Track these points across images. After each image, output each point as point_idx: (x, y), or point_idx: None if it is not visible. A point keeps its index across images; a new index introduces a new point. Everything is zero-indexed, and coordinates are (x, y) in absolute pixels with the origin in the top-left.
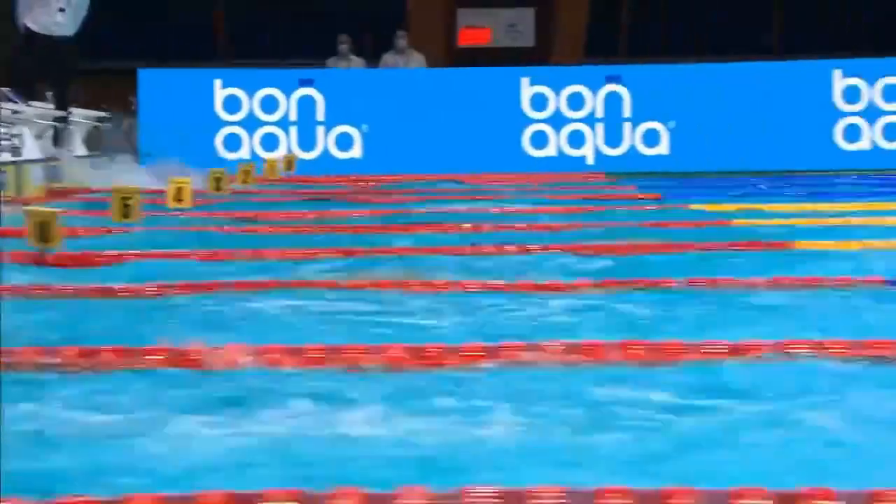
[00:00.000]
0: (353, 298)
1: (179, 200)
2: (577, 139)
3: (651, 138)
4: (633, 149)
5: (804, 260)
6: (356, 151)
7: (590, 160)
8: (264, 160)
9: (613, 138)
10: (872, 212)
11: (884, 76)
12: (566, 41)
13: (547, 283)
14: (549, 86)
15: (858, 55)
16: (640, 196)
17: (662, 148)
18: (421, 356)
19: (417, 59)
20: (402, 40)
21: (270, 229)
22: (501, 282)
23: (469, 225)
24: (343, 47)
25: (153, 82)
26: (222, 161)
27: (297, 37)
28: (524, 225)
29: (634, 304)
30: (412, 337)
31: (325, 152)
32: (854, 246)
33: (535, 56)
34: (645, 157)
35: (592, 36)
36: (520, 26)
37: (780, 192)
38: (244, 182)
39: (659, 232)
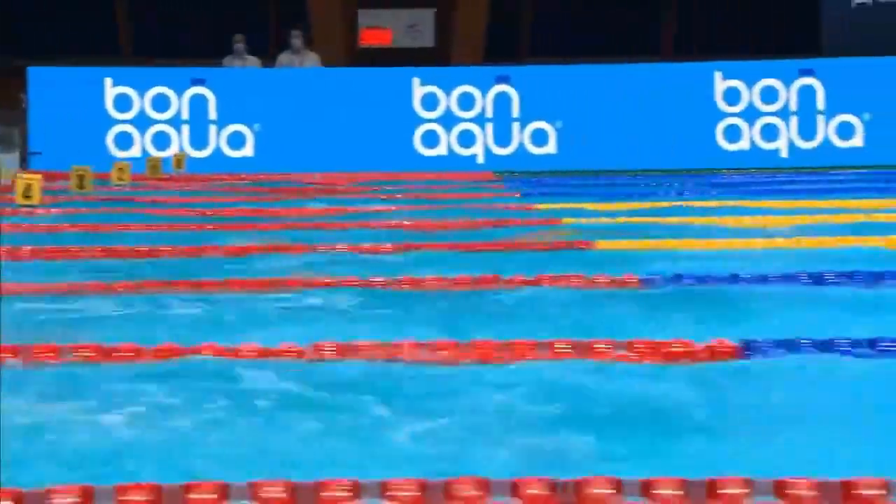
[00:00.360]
0: None
1: (28, 197)
2: (467, 139)
3: (539, 138)
4: (521, 148)
5: (583, 259)
6: (248, 150)
7: (480, 159)
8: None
9: (503, 138)
10: (702, 210)
11: (762, 78)
12: (465, 42)
13: None
14: (439, 86)
15: (742, 57)
16: (502, 195)
17: (550, 147)
18: None
19: (312, 59)
20: (296, 40)
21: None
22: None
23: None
24: (238, 46)
25: (43, 80)
26: (113, 160)
27: (201, 35)
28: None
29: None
30: None
31: (217, 151)
32: (648, 246)
33: (435, 57)
34: (533, 156)
35: (494, 37)
36: (420, 27)
37: (653, 192)
38: (119, 180)
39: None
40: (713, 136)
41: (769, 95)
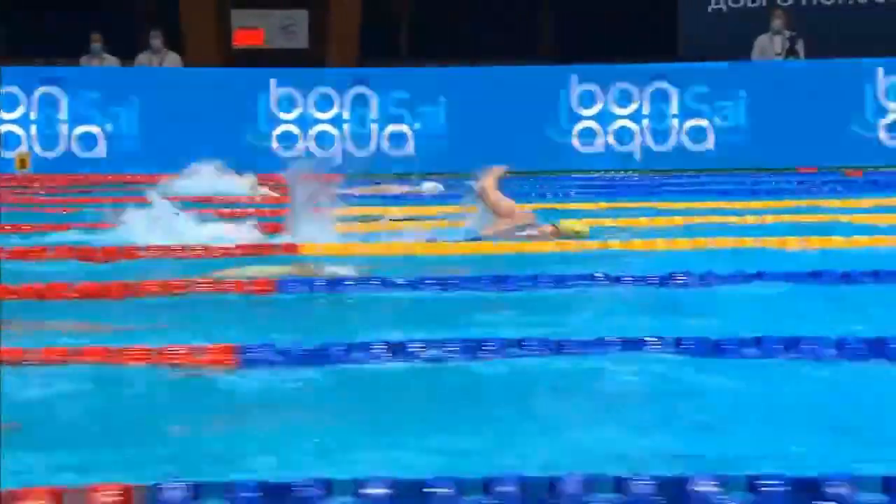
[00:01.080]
0: None
1: None
2: (325, 140)
3: (397, 140)
4: (379, 150)
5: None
6: (100, 151)
7: (339, 161)
8: None
9: (360, 139)
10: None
11: (616, 81)
12: (339, 43)
13: None
14: (296, 87)
15: (607, 60)
16: None
17: (408, 149)
18: None
19: (173, 59)
20: (156, 40)
21: None
22: None
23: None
24: (95, 46)
25: None
26: None
27: (66, 34)
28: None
29: None
30: None
31: (68, 151)
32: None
33: (309, 57)
34: (392, 158)
35: (375, 37)
36: (294, 27)
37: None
38: None
39: None
40: (569, 139)
41: (623, 99)
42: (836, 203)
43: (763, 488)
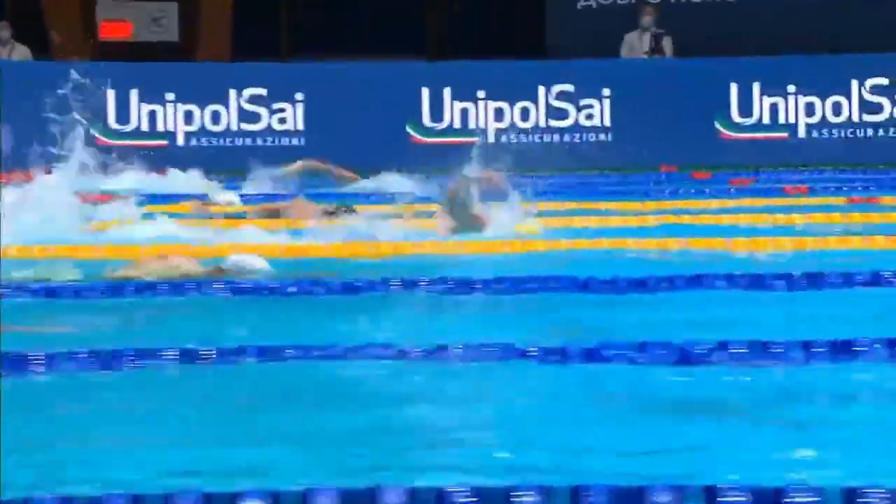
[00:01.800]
0: None
1: None
2: None
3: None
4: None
5: None
6: None
7: None
8: None
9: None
10: None
11: (481, 80)
12: (211, 37)
13: None
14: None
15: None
16: None
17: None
18: None
19: (21, 52)
20: (4, 32)
21: None
22: None
23: None
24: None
25: None
26: None
27: None
28: None
29: None
30: None
31: None
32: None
33: (180, 52)
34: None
35: (252, 32)
36: (163, 20)
37: None
38: None
39: None
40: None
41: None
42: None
43: None
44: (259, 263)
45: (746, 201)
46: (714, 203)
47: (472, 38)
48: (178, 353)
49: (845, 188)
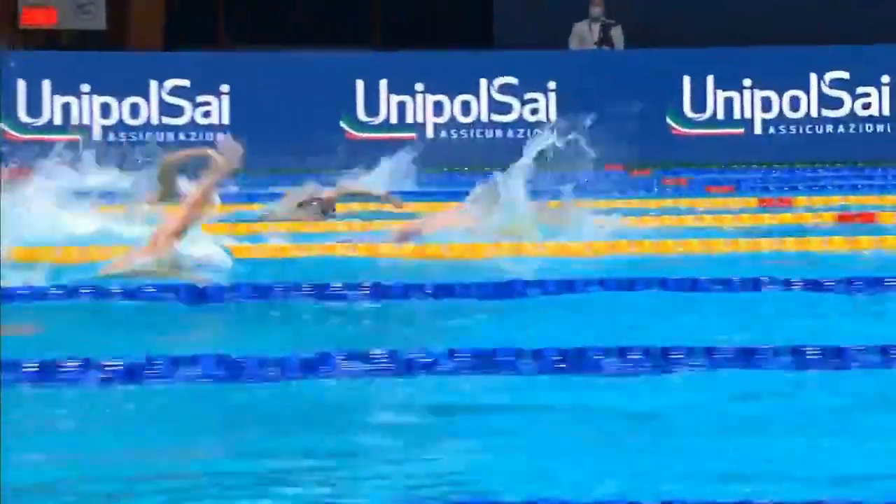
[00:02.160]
0: None
1: None
2: None
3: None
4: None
5: None
6: None
7: None
8: None
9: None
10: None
11: (421, 71)
12: (142, 26)
13: None
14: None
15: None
16: None
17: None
18: None
19: None
20: None
21: None
22: None
23: None
24: None
25: None
26: None
27: None
28: None
29: None
30: None
31: None
32: None
33: (108, 40)
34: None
35: (188, 21)
36: (90, 7)
37: None
38: None
39: None
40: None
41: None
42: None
43: None
44: (219, 258)
45: (669, 202)
46: (635, 203)
47: (420, 28)
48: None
49: (786, 188)
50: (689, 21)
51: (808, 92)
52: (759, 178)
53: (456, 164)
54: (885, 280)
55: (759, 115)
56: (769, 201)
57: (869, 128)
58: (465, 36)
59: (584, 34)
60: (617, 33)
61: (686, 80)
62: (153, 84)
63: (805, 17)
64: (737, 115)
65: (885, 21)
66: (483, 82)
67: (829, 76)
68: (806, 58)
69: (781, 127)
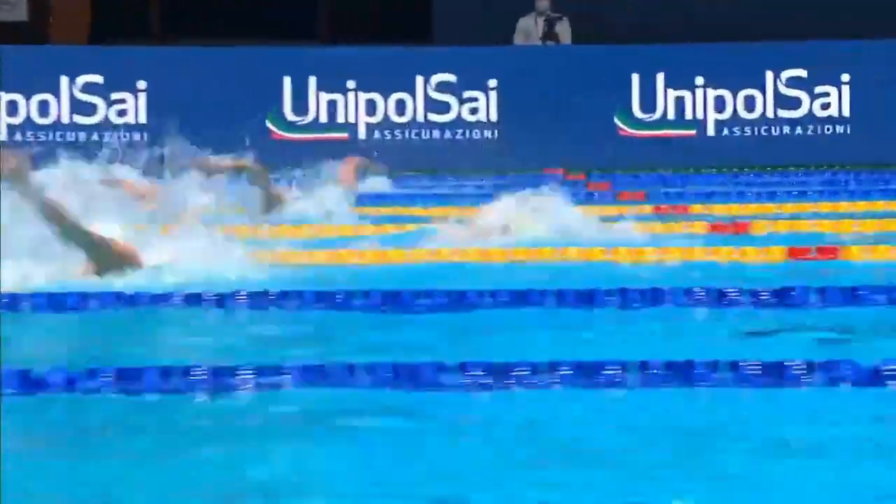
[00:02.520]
0: None
1: None
2: None
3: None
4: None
5: None
6: None
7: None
8: None
9: None
10: None
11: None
12: (65, 19)
13: None
14: None
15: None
16: None
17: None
18: None
19: None
20: None
21: None
22: None
23: None
24: None
25: None
26: None
27: None
28: None
29: None
30: None
31: None
32: None
33: (30, 33)
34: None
35: (119, 13)
36: None
37: None
38: None
39: None
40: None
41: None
42: None
43: None
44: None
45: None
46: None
47: (363, 22)
48: None
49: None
50: (640, 15)
51: (763, 91)
52: (703, 182)
53: (391, 168)
54: None
55: (711, 116)
56: (664, 209)
57: (828, 129)
58: (407, 31)
59: (530, 29)
60: (563, 28)
61: (635, 77)
62: (64, 80)
63: (761, 13)
64: (689, 116)
65: (845, 16)
66: (419, 79)
67: (785, 75)
68: (761, 55)
69: (736, 128)
